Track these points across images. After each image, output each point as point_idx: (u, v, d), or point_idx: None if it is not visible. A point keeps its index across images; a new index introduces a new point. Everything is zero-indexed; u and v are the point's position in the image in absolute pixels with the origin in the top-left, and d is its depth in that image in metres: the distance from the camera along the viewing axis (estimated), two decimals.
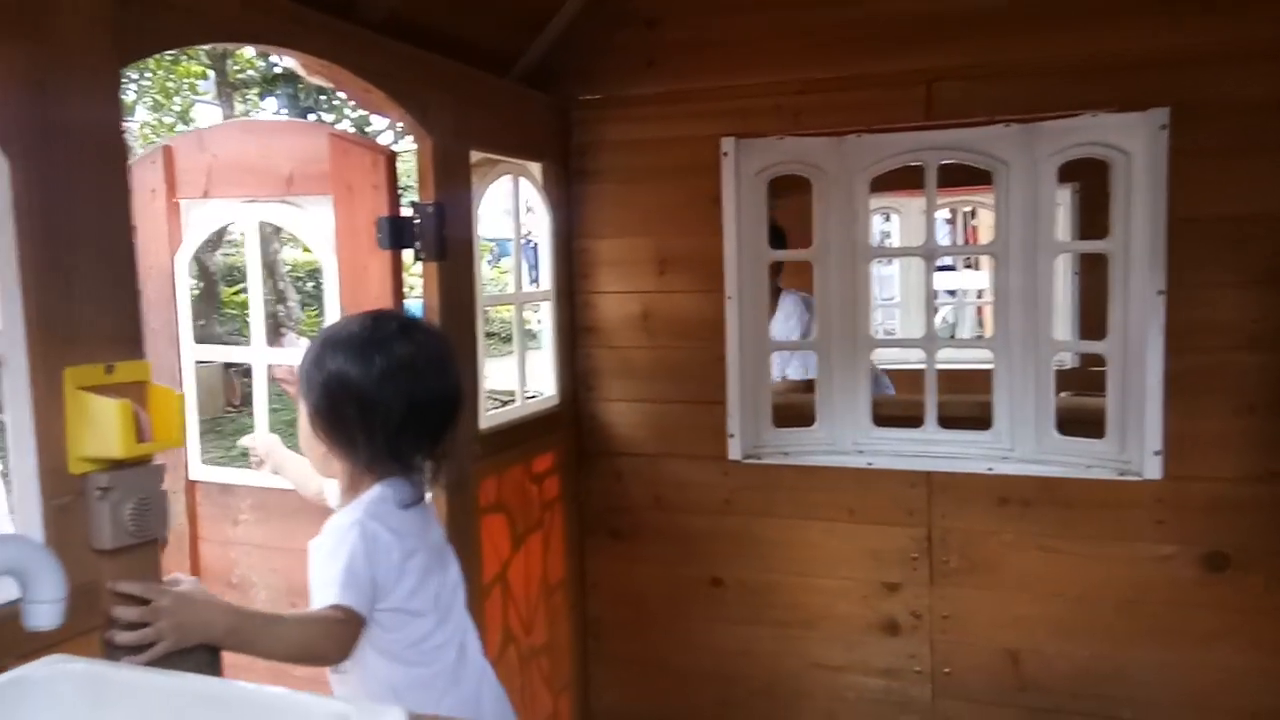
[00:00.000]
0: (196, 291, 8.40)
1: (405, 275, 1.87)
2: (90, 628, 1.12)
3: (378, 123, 8.81)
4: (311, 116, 9.08)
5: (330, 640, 1.24)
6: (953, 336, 5.40)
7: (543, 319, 2.45)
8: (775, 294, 2.65)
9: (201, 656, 1.18)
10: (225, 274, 8.86)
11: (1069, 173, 2.26)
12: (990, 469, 2.21)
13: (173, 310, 2.03)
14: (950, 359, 3.01)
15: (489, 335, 5.51)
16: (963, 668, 2.27)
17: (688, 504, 2.44)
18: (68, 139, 1.08)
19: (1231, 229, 2.00)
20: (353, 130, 7.99)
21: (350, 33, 1.61)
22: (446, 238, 1.83)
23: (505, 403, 2.31)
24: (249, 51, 7.67)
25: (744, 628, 2.42)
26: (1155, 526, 2.10)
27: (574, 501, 2.49)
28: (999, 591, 2.22)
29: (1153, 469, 2.05)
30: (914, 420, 2.32)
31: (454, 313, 1.89)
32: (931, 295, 2.40)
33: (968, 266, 5.86)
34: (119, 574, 1.15)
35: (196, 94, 9.20)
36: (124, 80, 1.18)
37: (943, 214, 6.51)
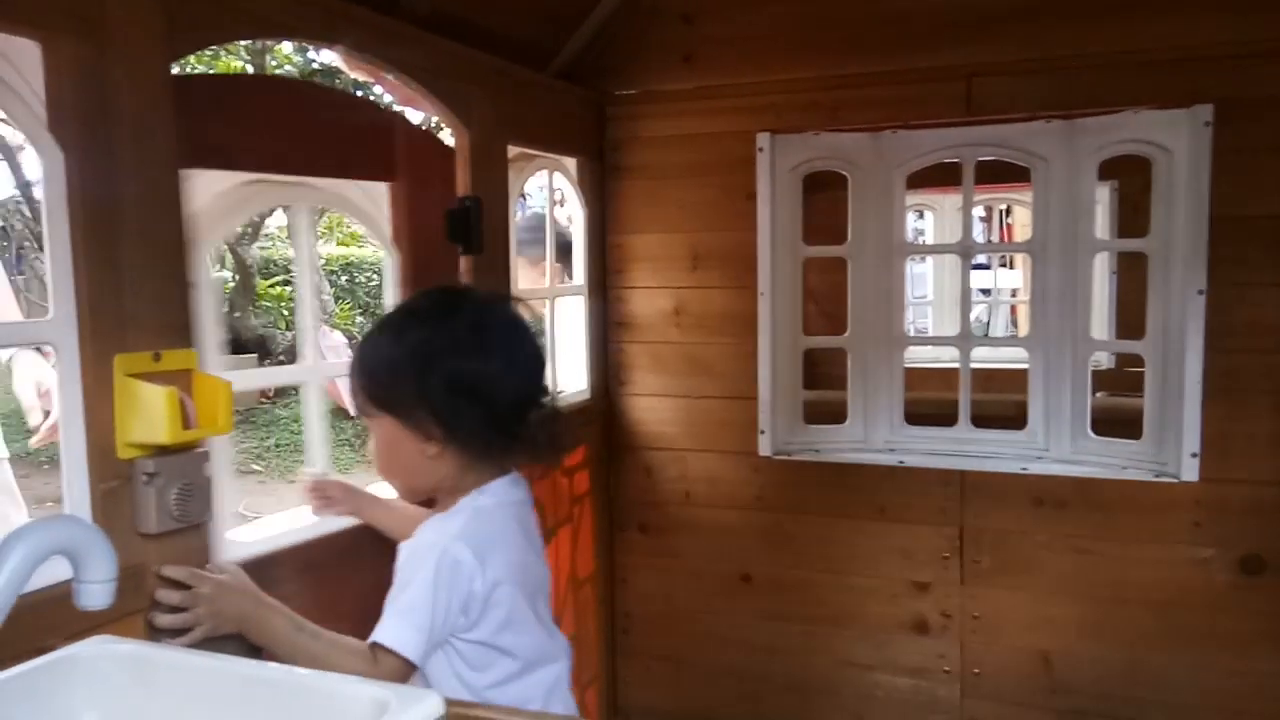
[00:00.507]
0: (232, 284, 8.52)
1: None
2: (135, 609, 1.14)
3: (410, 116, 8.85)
4: None
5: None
6: (986, 335, 5.35)
7: (572, 313, 2.46)
8: None
9: (239, 643, 1.20)
10: (262, 267, 8.97)
11: (1108, 170, 2.24)
12: (1024, 469, 2.19)
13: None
14: (984, 358, 2.98)
15: None
16: (992, 668, 2.26)
17: (718, 499, 2.44)
18: (120, 132, 1.10)
19: (1275, 228, 1.97)
20: None
21: (393, 28, 1.62)
22: (483, 231, 1.84)
23: None
24: (287, 47, 7.76)
25: (773, 624, 2.42)
26: (1191, 529, 2.07)
27: (604, 496, 2.50)
28: (1031, 592, 2.21)
29: (1190, 471, 2.03)
30: (947, 419, 2.30)
31: None
32: (967, 293, 2.38)
33: (1002, 265, 5.80)
34: (164, 558, 1.18)
35: None
36: None
37: (978, 211, 6.44)
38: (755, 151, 2.28)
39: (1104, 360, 2.89)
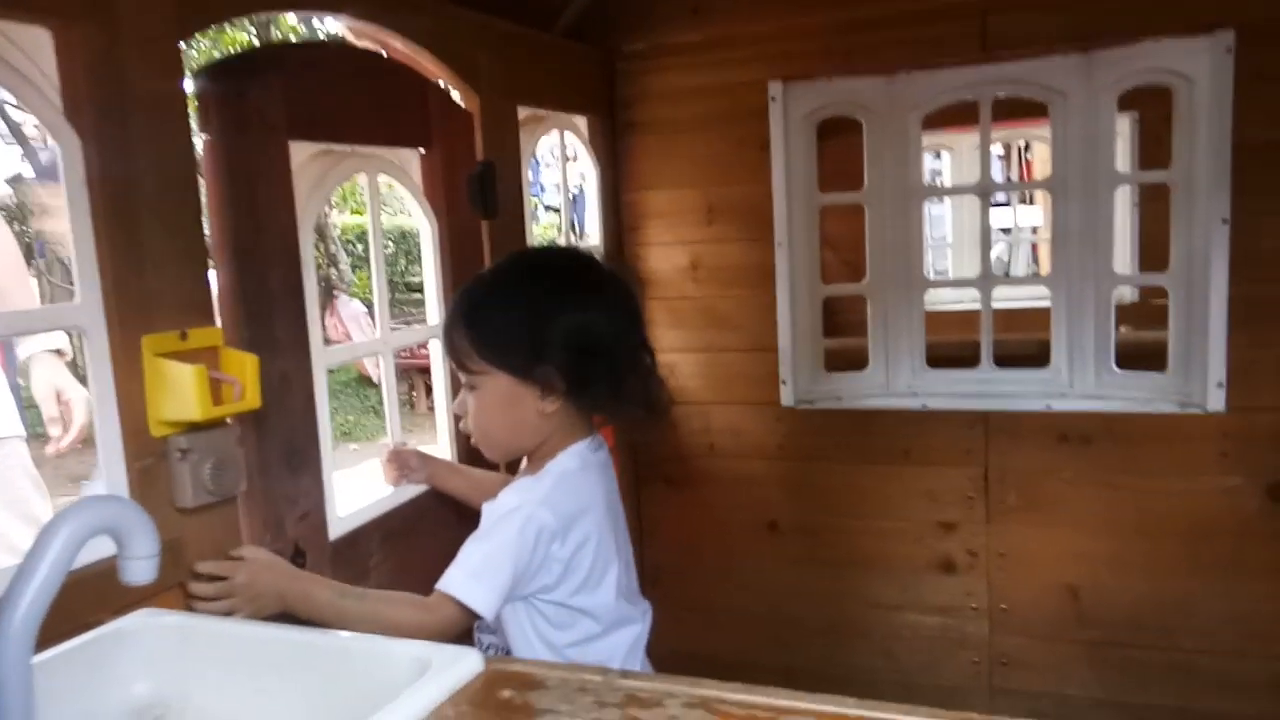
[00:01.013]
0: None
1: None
2: (175, 583, 1.18)
3: None
4: None
5: (410, 629, 1.16)
6: (1006, 275, 5.30)
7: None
8: None
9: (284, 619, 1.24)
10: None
11: (1128, 102, 2.19)
12: (1049, 406, 2.19)
13: None
14: (1006, 297, 2.96)
15: None
16: (1020, 604, 2.28)
17: (742, 451, 2.46)
18: (133, 113, 1.11)
19: None
20: None
21: None
22: (497, 195, 1.84)
23: None
24: (291, 18, 7.68)
25: (800, 570, 2.45)
26: (1219, 459, 2.07)
27: (629, 451, 2.52)
28: (1058, 528, 2.22)
29: (1216, 401, 2.02)
30: (970, 361, 2.30)
31: None
32: (987, 233, 2.36)
33: (1022, 201, 5.73)
34: (201, 531, 1.21)
35: None
36: None
37: (995, 149, 6.34)
38: (767, 101, 2.25)
39: (1127, 294, 2.86)
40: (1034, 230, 5.57)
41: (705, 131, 2.36)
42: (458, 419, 1.38)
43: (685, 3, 2.32)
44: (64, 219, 1.05)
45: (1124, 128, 2.80)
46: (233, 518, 1.26)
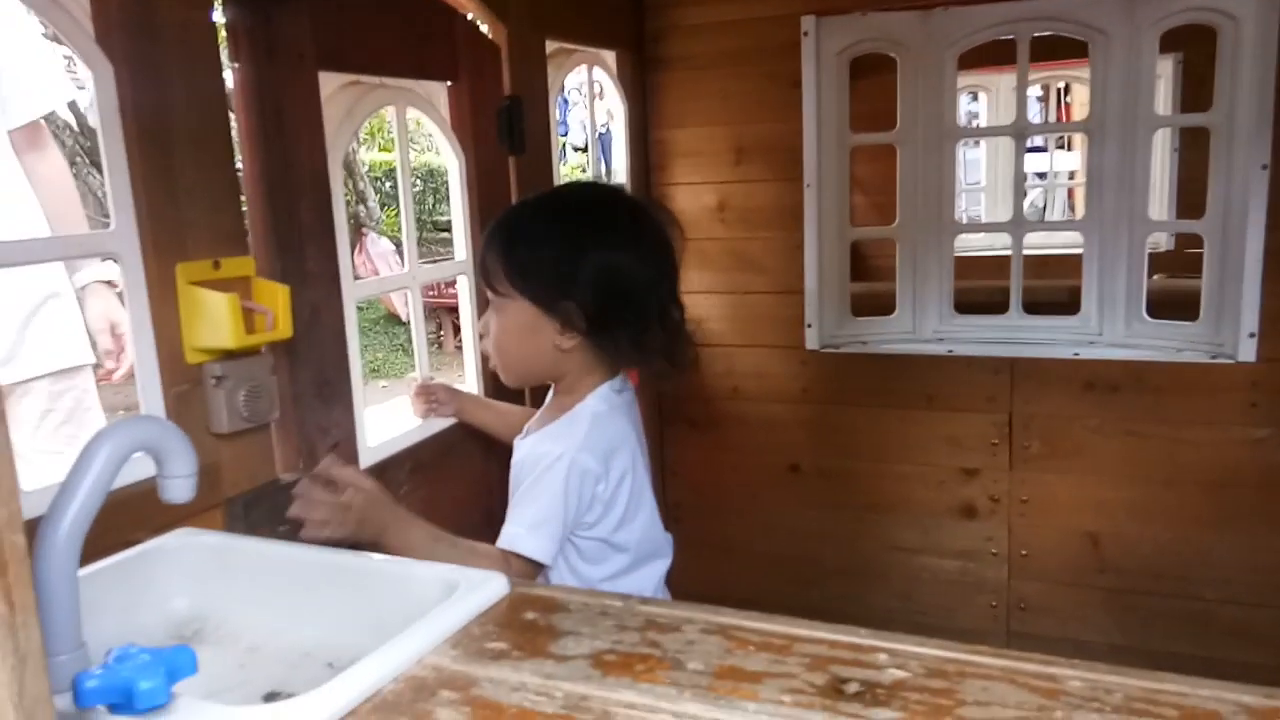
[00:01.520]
0: None
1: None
2: (212, 505, 1.21)
3: None
4: None
5: None
6: (1042, 221, 5.21)
7: None
8: None
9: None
10: None
11: (1171, 42, 2.13)
12: (1076, 354, 2.18)
13: None
14: (1038, 244, 2.92)
15: None
16: (1040, 550, 2.29)
17: (765, 393, 2.47)
18: (165, 41, 1.11)
19: None
20: None
21: None
22: (525, 131, 1.83)
23: None
24: None
25: (821, 512, 2.47)
26: (1248, 410, 2.05)
27: (653, 392, 2.54)
28: (1081, 476, 2.22)
29: (1247, 351, 2.00)
30: (998, 307, 2.28)
31: None
32: (1021, 176, 2.32)
33: (1060, 147, 5.61)
34: (236, 457, 1.24)
35: None
36: None
37: (1034, 91, 6.19)
38: (800, 36, 2.21)
39: (1162, 242, 2.82)
40: (1071, 175, 5.46)
41: (735, 68, 2.32)
42: (481, 337, 1.40)
43: None
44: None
45: (1166, 70, 2.73)
46: (266, 444, 1.29)
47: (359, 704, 0.74)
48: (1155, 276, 2.25)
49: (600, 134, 3.15)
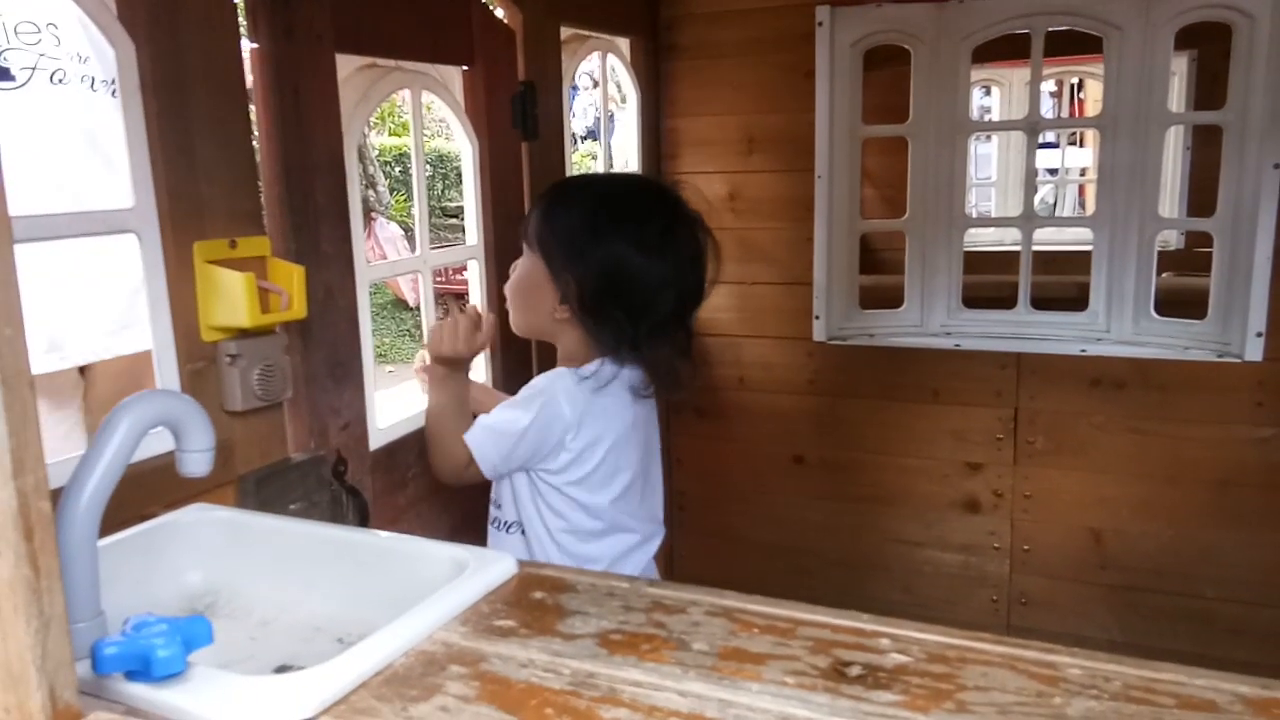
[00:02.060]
0: None
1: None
2: (224, 481, 1.23)
3: None
4: None
5: (445, 463, 1.35)
6: (1052, 217, 5.20)
7: None
8: None
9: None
10: None
11: (1186, 39, 2.13)
12: (1083, 350, 2.18)
13: None
14: (1048, 240, 2.92)
15: None
16: (1043, 545, 2.30)
17: (772, 384, 2.48)
18: (185, 18, 1.12)
19: None
20: None
21: None
22: (538, 117, 1.84)
23: None
24: None
25: (824, 503, 2.49)
26: (1253, 409, 2.06)
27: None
28: (1085, 472, 2.22)
29: (1254, 351, 2.00)
30: (1006, 302, 2.28)
31: None
32: (1032, 172, 2.32)
33: (1071, 143, 5.59)
34: (249, 434, 1.26)
35: None
36: None
37: (1047, 86, 6.17)
38: (814, 26, 2.21)
39: (1172, 240, 2.81)
40: (1082, 172, 5.45)
41: (749, 57, 2.32)
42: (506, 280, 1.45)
43: None
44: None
45: (1180, 67, 2.72)
46: (279, 423, 1.31)
47: (370, 677, 0.75)
48: (1164, 274, 2.25)
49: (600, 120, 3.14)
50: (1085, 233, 2.32)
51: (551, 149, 1.92)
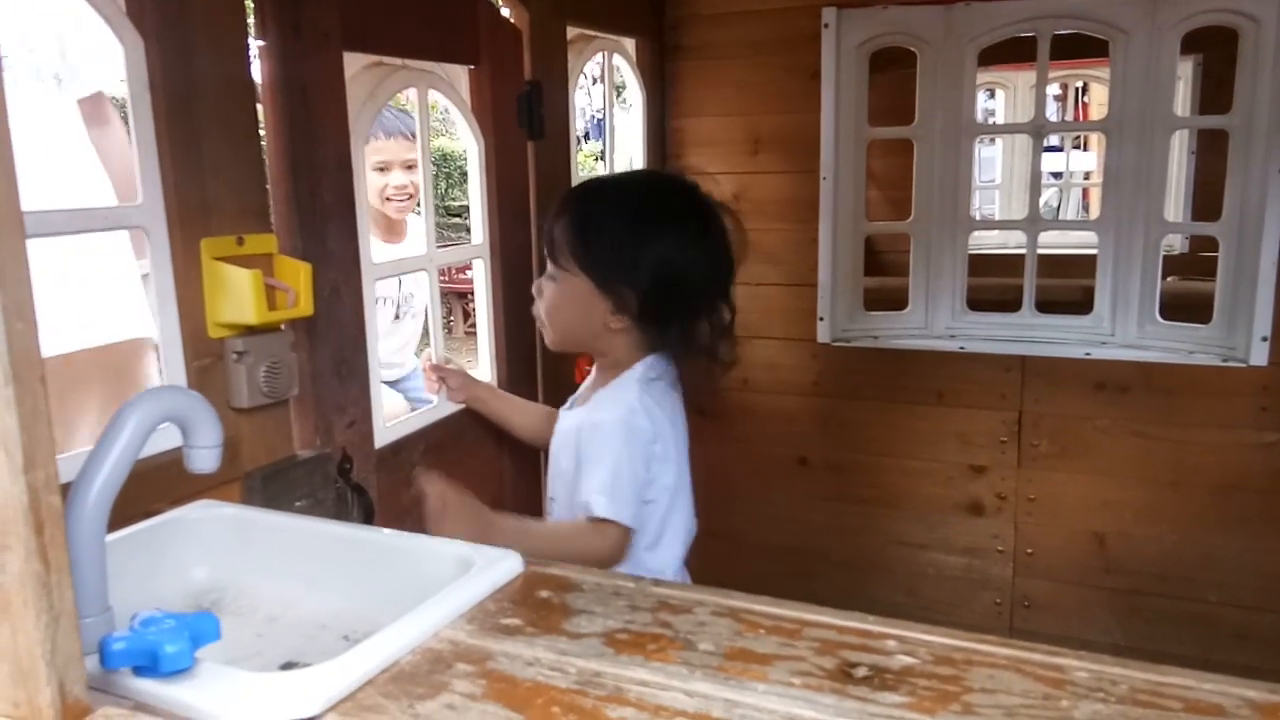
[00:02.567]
0: None
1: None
2: (230, 478, 1.23)
3: None
4: None
5: (589, 557, 1.18)
6: (1056, 220, 5.19)
7: None
8: None
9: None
10: None
11: (1192, 44, 2.13)
12: (1088, 354, 2.18)
13: None
14: (1052, 243, 2.92)
15: None
16: (1046, 549, 2.30)
17: (776, 385, 2.47)
18: (193, 15, 1.13)
19: None
20: None
21: None
22: (544, 116, 1.84)
23: None
24: None
25: (827, 505, 2.48)
26: (1258, 414, 2.05)
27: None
28: (1089, 476, 2.22)
29: (1259, 355, 2.00)
30: (1011, 305, 2.28)
31: (550, 196, 1.92)
32: (1037, 174, 2.32)
33: (1076, 147, 5.58)
34: (255, 431, 1.26)
35: None
36: None
37: (1052, 89, 6.15)
38: (820, 28, 2.21)
39: (1177, 244, 2.81)
40: (1087, 176, 5.44)
41: (754, 58, 2.32)
42: (534, 299, 1.43)
43: None
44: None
45: (1185, 71, 2.72)
46: (285, 420, 1.31)
47: (377, 674, 0.75)
48: (1169, 278, 2.25)
49: (598, 120, 3.14)
50: (1090, 236, 2.32)
51: (557, 148, 1.92)
